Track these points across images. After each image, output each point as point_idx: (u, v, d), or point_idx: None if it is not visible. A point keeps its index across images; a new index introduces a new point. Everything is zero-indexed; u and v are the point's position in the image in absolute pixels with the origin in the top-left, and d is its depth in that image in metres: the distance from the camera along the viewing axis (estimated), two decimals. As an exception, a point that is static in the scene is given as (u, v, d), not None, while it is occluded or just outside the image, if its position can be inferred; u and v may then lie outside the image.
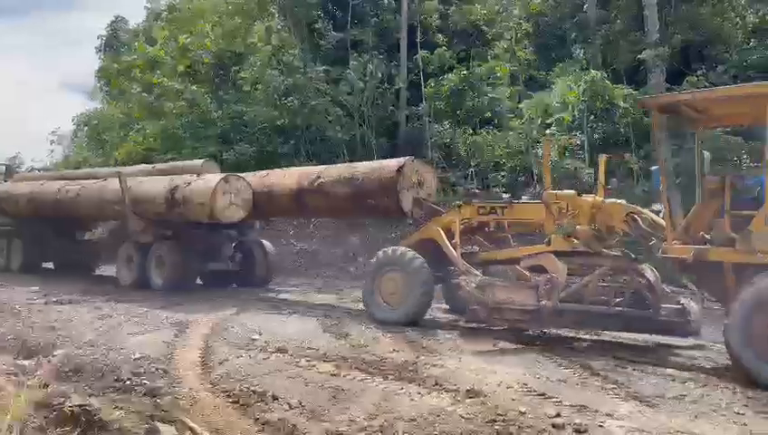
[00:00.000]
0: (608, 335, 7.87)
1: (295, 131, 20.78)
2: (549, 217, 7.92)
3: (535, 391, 5.32)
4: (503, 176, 17.23)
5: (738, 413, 4.86)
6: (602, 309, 7.29)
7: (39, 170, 23.12)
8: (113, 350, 6.92)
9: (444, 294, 9.73)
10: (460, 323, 8.55)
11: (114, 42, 34.11)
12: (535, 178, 16.33)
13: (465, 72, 19.32)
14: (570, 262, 7.62)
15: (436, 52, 20.86)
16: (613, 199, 7.92)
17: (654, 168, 7.46)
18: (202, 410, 4.98)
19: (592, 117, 16.25)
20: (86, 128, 30.92)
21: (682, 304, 7.14)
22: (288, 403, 5.03)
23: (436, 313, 9.38)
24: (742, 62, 15.96)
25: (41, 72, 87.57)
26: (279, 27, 22.59)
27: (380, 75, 20.98)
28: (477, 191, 10.50)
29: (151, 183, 12.16)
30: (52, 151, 35.40)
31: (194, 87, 22.09)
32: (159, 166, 14.37)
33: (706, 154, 7.08)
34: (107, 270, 14.30)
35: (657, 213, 7.36)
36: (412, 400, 5.09)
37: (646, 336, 7.62)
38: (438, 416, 4.67)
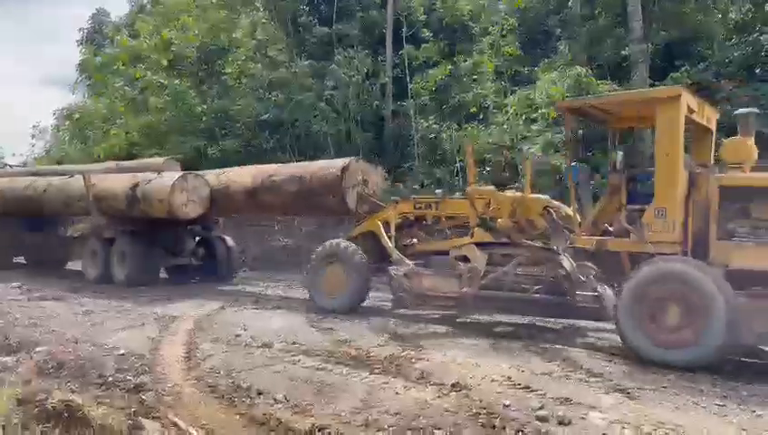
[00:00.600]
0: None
1: (280, 126, 20.68)
2: (472, 211, 8.44)
3: (519, 384, 5.37)
4: (487, 171, 17.29)
5: (719, 405, 4.93)
6: (521, 296, 7.89)
7: (10, 166, 22.79)
8: (97, 346, 6.87)
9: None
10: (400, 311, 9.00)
11: (96, 35, 33.66)
12: (520, 173, 16.40)
13: (450, 67, 19.32)
14: (492, 252, 8.17)
15: (422, 47, 20.85)
16: (535, 195, 8.38)
17: (572, 165, 7.81)
18: (187, 405, 4.95)
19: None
20: (68, 122, 30.53)
21: (598, 290, 7.55)
22: (273, 398, 5.03)
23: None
24: (724, 58, 16.11)
25: (18, 65, 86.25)
26: (263, 21, 22.40)
27: (366, 70, 20.92)
28: (417, 187, 10.82)
29: (114, 180, 12.49)
30: (33, 146, 34.99)
31: (177, 81, 21.86)
32: (123, 164, 14.90)
33: (619, 153, 7.49)
34: (79, 265, 14.14)
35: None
36: (397, 393, 5.11)
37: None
38: (423, 409, 4.69)
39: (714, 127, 7.57)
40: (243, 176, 11.76)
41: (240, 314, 9.07)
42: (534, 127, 16.78)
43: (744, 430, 4.40)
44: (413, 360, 6.17)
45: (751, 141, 6.89)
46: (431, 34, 21.35)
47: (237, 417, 4.67)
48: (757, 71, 15.84)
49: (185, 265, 12.98)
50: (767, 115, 11.22)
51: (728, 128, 14.49)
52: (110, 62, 25.69)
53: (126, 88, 24.20)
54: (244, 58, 20.98)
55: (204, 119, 21.50)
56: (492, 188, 8.78)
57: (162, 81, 21.82)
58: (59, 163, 24.75)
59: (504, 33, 19.02)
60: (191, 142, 20.93)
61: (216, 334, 7.51)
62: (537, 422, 4.43)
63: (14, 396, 4.46)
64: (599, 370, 5.88)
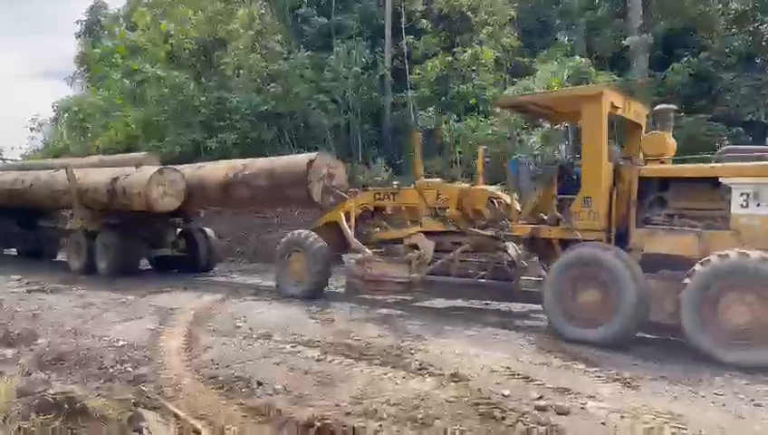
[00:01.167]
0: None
1: (279, 118, 20.62)
2: (422, 201, 8.93)
3: (519, 374, 5.38)
4: (487, 162, 17.24)
5: (718, 395, 4.95)
6: (467, 281, 8.31)
7: (3, 160, 22.84)
8: (96, 338, 6.89)
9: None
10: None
11: (94, 27, 33.51)
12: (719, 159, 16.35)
13: (449, 57, 19.25)
14: (441, 240, 8.64)
15: (422, 38, 20.76)
16: (481, 186, 8.96)
17: (512, 158, 8.57)
18: (186, 396, 4.96)
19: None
20: (66, 115, 30.44)
21: (542, 275, 7.67)
22: (273, 389, 5.04)
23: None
24: (724, 48, 16.07)
25: (16, 58, 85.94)
26: (261, 12, 22.29)
27: (365, 61, 20.84)
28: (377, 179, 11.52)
29: (96, 174, 12.79)
30: (32, 139, 34.90)
31: (176, 73, 21.78)
32: (105, 158, 15.31)
33: (562, 146, 7.80)
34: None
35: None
36: (396, 384, 5.12)
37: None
38: (423, 400, 4.70)
39: (643, 122, 7.97)
40: (216, 170, 12.09)
41: (239, 305, 9.08)
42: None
43: (741, 418, 4.41)
44: (412, 351, 6.18)
45: (669, 136, 7.40)
46: (430, 25, 21.27)
47: (237, 407, 4.68)
48: (758, 61, 15.80)
49: (167, 257, 13.27)
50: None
51: (727, 118, 14.47)
52: (108, 55, 25.57)
53: (124, 80, 24.10)
54: (242, 48, 20.88)
55: (202, 111, 21.44)
56: (439, 180, 9.44)
57: (160, 73, 21.73)
58: (57, 156, 24.70)
59: (504, 23, 18.93)
60: (190, 135, 20.87)
61: (215, 326, 7.52)
62: (536, 412, 4.44)
63: (14, 388, 4.46)
64: (597, 360, 5.89)
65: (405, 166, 18.19)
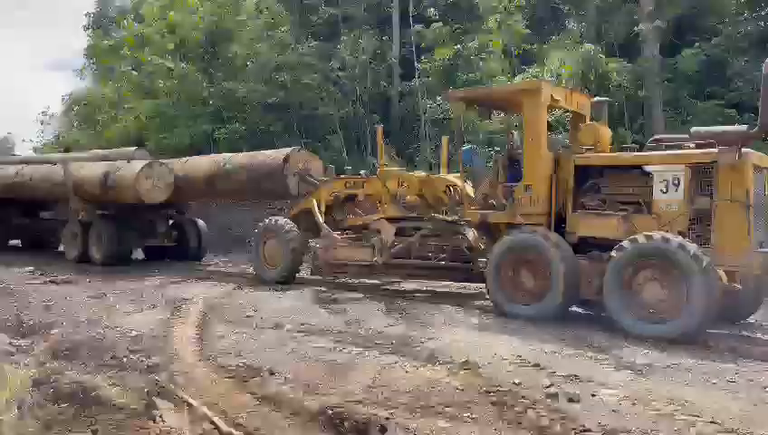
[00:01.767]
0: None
1: (287, 109, 20.63)
2: (384, 189, 9.45)
3: (529, 362, 5.38)
4: (497, 150, 17.19)
5: (730, 381, 4.93)
6: (426, 263, 8.94)
7: (12, 154, 23.09)
8: (110, 328, 6.94)
9: None
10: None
11: (103, 19, 33.55)
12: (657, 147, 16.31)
13: (458, 46, 19.14)
14: (404, 226, 9.12)
15: (431, 27, 20.64)
16: (440, 174, 9.41)
17: (463, 148, 8.81)
18: (199, 385, 5.00)
19: (586, 91, 16.17)
20: (76, 108, 30.56)
21: None
22: (285, 377, 5.07)
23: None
24: (736, 33, 15.87)
25: (26, 51, 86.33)
26: (269, 2, 22.24)
27: (372, 51, 20.77)
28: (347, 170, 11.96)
29: (90, 168, 13.31)
30: (42, 132, 35.06)
31: (184, 65, 21.80)
32: (98, 152, 16.00)
33: (515, 134, 8.44)
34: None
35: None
36: (407, 372, 5.13)
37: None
38: (434, 388, 4.71)
39: (587, 113, 8.35)
40: (201, 164, 12.70)
41: (251, 295, 9.13)
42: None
43: (754, 406, 4.39)
44: (423, 339, 6.19)
45: (603, 127, 7.91)
46: (438, 14, 21.15)
47: (249, 396, 4.71)
48: (770, 45, 15.56)
49: (161, 246, 13.76)
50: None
51: (740, 104, 14.30)
52: (116, 47, 25.61)
53: (133, 72, 24.15)
54: (252, 37, 20.85)
55: (211, 102, 21.47)
56: (399, 169, 10.01)
57: (169, 65, 21.76)
58: (67, 149, 24.83)
59: (512, 10, 18.77)
60: (199, 126, 20.93)
61: (227, 316, 7.57)
62: (547, 400, 4.44)
63: (30, 377, 4.53)
64: (608, 347, 5.88)
65: (414, 155, 18.18)
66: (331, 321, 7.20)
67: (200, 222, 14.12)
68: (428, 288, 9.57)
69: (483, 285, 8.09)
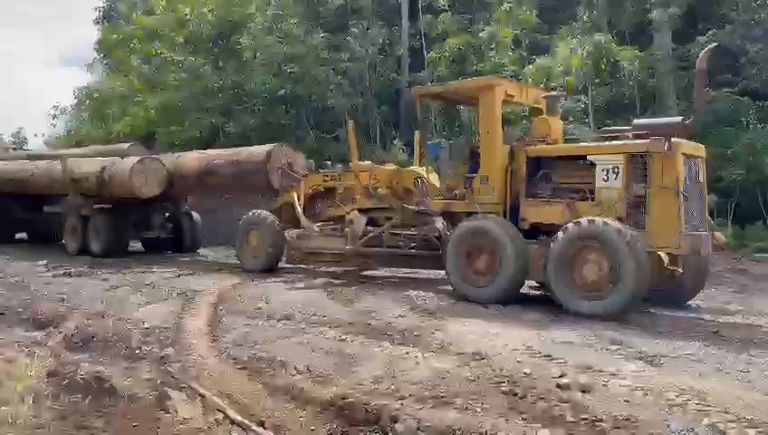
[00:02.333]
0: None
1: (297, 101, 20.62)
2: (357, 182, 9.91)
3: (540, 352, 5.36)
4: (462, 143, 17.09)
5: (743, 371, 4.90)
6: (398, 251, 9.43)
7: (14, 149, 23.33)
8: (122, 320, 7.01)
9: None
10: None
11: (112, 13, 33.66)
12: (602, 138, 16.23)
13: (467, 36, 19.03)
14: (376, 216, 9.62)
15: (440, 17, 20.53)
16: (410, 168, 9.91)
17: (430, 143, 9.55)
18: (211, 376, 5.05)
19: (597, 80, 16.05)
20: (87, 102, 30.71)
21: None
22: (296, 368, 5.09)
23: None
24: (750, 20, 15.66)
25: (37, 46, 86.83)
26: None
27: (381, 42, 20.69)
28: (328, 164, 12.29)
29: (87, 164, 13.80)
30: (53, 126, 35.30)
31: (193, 58, 21.83)
32: (97, 148, 16.60)
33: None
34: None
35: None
36: (417, 363, 5.14)
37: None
38: (444, 378, 4.71)
39: (544, 106, 8.61)
40: (191, 160, 13.17)
41: (261, 287, 9.16)
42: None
43: (767, 395, 4.36)
44: (433, 330, 6.18)
45: (556, 119, 8.30)
46: (447, 4, 21.01)
47: (261, 387, 4.75)
48: (784, 32, 15.36)
49: (157, 238, 14.31)
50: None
51: (754, 91, 14.12)
52: (126, 41, 25.69)
53: (143, 66, 24.23)
54: (260, 27, 20.82)
55: (220, 95, 21.50)
56: (370, 163, 10.49)
57: (178, 58, 21.80)
58: (78, 143, 24.98)
59: (522, 0, 18.62)
60: (208, 119, 20.98)
61: (238, 308, 7.61)
62: (558, 390, 4.43)
63: (44, 369, 4.58)
64: (621, 338, 5.84)
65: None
66: (341, 312, 7.21)
67: (195, 215, 14.63)
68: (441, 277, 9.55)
69: None
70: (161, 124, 22.87)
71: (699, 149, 7.35)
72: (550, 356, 5.24)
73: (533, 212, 7.68)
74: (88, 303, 8.06)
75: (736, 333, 6.24)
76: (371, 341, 5.86)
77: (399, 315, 6.95)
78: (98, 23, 34.72)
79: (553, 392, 4.39)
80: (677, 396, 4.26)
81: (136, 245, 14.91)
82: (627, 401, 4.20)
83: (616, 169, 7.09)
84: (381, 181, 9.78)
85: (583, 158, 7.50)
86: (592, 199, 7.24)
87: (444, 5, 21.09)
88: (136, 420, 3.98)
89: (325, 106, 20.63)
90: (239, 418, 4.17)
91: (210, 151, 13.66)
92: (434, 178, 8.94)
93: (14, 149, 23.21)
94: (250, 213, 10.95)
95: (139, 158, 13.02)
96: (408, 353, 5.40)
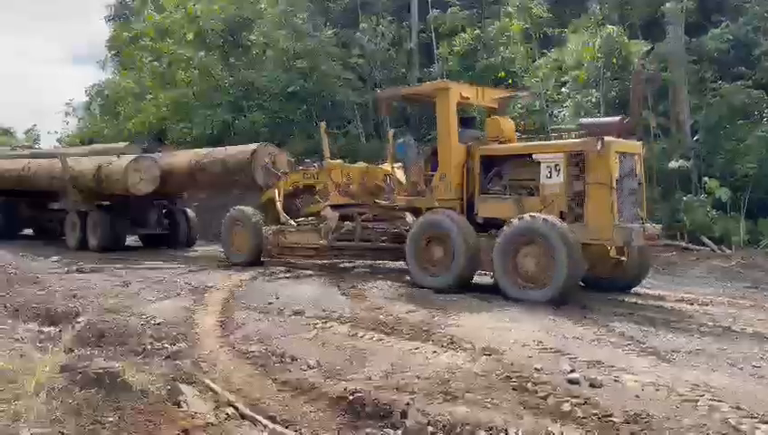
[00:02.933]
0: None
1: (307, 97, 20.63)
2: (329, 180, 10.36)
3: (551, 348, 5.34)
4: (518, 136, 17.01)
5: (756, 367, 4.86)
6: (369, 245, 9.85)
7: (21, 148, 23.67)
8: (135, 315, 7.06)
9: None
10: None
11: (123, 11, 33.80)
12: (552, 137, 16.12)
13: (477, 31, 18.93)
14: (349, 212, 10.00)
15: (449, 11, 20.44)
16: (379, 166, 10.27)
17: (398, 142, 9.84)
18: (222, 371, 5.08)
19: (608, 74, 15.91)
20: (99, 99, 30.91)
21: None
22: (306, 363, 5.11)
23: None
24: (764, 12, 15.45)
25: (50, 44, 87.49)
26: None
27: (391, 37, 20.64)
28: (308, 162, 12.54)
29: (85, 163, 14.39)
30: (66, 124, 35.57)
31: (203, 54, 21.89)
32: (95, 147, 17.65)
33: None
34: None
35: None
36: (427, 358, 5.14)
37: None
38: (454, 374, 4.71)
39: (501, 106, 9.36)
40: (183, 159, 13.81)
41: (272, 283, 9.20)
42: (564, 90, 16.41)
43: (781, 391, 4.32)
44: (443, 325, 6.19)
45: (505, 120, 8.88)
46: (457, -2, 20.91)
47: (271, 382, 4.77)
48: (799, 24, 15.16)
49: (154, 234, 14.86)
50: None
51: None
52: (137, 38, 25.81)
53: (154, 63, 24.33)
54: (270, 23, 20.84)
55: (230, 91, 21.55)
56: (341, 161, 10.94)
57: (189, 54, 21.88)
58: (91, 141, 25.17)
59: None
60: (219, 116, 21.04)
61: (249, 303, 7.64)
62: (569, 385, 4.41)
63: (58, 363, 4.62)
64: (632, 333, 5.83)
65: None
66: (351, 307, 7.22)
67: (189, 211, 15.22)
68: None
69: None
70: (172, 121, 22.98)
71: (634, 147, 7.82)
72: (560, 351, 5.22)
73: (486, 207, 8.26)
74: (100, 298, 8.13)
75: (749, 327, 6.20)
76: (381, 336, 5.87)
77: (410, 310, 6.95)
78: (110, 20, 34.88)
79: (564, 388, 4.37)
80: (689, 391, 4.23)
81: (133, 240, 15.34)
82: (638, 397, 4.18)
83: (557, 167, 7.60)
84: (354, 178, 10.22)
85: (530, 156, 7.96)
86: (538, 195, 7.78)
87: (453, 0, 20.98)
88: (148, 415, 4.00)
89: (334, 102, 20.62)
90: (250, 412, 4.19)
91: (200, 150, 14.25)
92: (400, 175, 9.43)
93: (21, 147, 23.56)
94: (233, 209, 11.37)
95: (133, 156, 13.56)
96: (418, 348, 5.41)
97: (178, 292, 8.54)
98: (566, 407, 4.04)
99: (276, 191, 11.09)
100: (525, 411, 4.03)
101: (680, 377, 4.53)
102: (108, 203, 14.13)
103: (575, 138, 7.83)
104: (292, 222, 10.64)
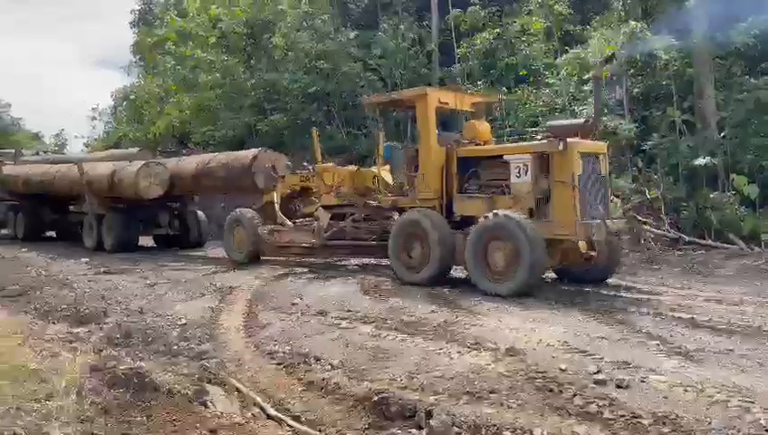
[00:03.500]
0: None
1: (328, 98, 20.70)
2: (321, 182, 10.84)
3: (576, 348, 5.29)
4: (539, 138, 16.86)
5: (787, 367, 4.76)
6: (360, 243, 10.25)
7: (45, 153, 24.23)
8: (161, 316, 7.17)
9: None
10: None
11: (147, 16, 34.31)
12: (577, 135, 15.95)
13: (498, 30, 18.81)
14: (340, 212, 10.43)
15: (468, 10, 20.34)
16: (371, 168, 10.59)
17: (384, 145, 10.12)
18: (248, 371, 5.13)
19: (632, 70, 15.69)
20: (124, 103, 31.40)
21: None
22: (330, 364, 5.14)
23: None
24: (793, 5, 15.09)
25: (77, 49, 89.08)
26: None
27: (412, 37, 20.61)
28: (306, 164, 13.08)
29: (100, 168, 15.01)
30: (93, 128, 36.22)
31: (225, 57, 22.10)
32: (112, 153, 18.64)
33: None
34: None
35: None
36: (451, 359, 5.13)
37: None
38: (478, 374, 4.69)
39: (477, 110, 9.65)
40: (189, 163, 14.36)
41: (295, 283, 9.25)
42: (586, 88, 16.23)
43: (814, 392, 4.23)
44: (467, 326, 6.16)
45: (481, 123, 9.30)
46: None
47: (296, 382, 4.80)
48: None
49: (166, 235, 15.45)
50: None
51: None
52: (161, 43, 26.15)
53: (177, 67, 24.63)
54: (291, 25, 20.95)
55: (252, 94, 21.71)
56: (332, 164, 11.38)
57: (211, 58, 22.10)
58: (117, 144, 25.58)
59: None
60: (241, 118, 21.21)
61: (273, 304, 7.70)
62: (595, 386, 4.37)
63: (87, 363, 4.70)
64: (659, 333, 5.74)
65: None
66: (374, 308, 7.23)
67: (200, 213, 15.85)
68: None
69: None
70: (196, 124, 23.24)
71: (599, 147, 8.26)
72: (585, 352, 5.17)
73: (462, 206, 8.67)
74: (127, 299, 8.26)
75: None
76: (405, 336, 5.86)
77: (432, 311, 6.93)
78: (134, 25, 35.43)
79: (590, 388, 4.33)
80: (719, 392, 4.17)
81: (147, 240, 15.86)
82: (666, 398, 4.13)
83: (525, 167, 8.01)
84: (345, 181, 10.57)
85: (501, 157, 8.39)
86: (509, 194, 8.19)
87: (474, -1, 20.86)
88: (175, 415, 4.05)
89: (355, 103, 20.65)
90: (275, 412, 4.22)
91: (206, 155, 14.82)
92: (387, 177, 9.86)
93: (45, 152, 24.16)
94: (235, 212, 11.96)
95: (144, 162, 14.20)
96: (442, 349, 5.39)
97: (203, 292, 8.64)
98: (593, 408, 4.01)
99: (274, 194, 11.66)
100: (551, 412, 4.01)
101: (709, 378, 4.46)
102: (122, 206, 14.75)
103: (542, 140, 8.26)
104: (289, 222, 11.21)
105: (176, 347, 5.83)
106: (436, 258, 8.34)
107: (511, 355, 5.11)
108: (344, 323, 6.48)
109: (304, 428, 4.01)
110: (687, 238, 12.37)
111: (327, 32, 20.83)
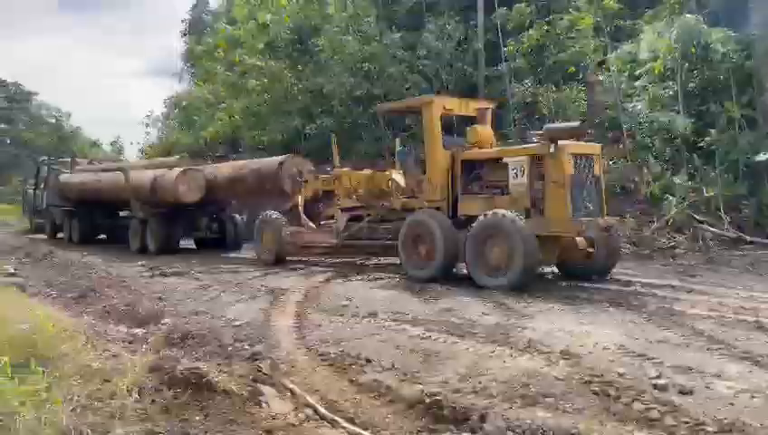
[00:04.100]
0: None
1: (373, 101, 20.76)
2: (339, 185, 11.36)
3: (634, 352, 5.14)
4: (590, 132, 16.46)
5: None
6: (377, 243, 10.71)
7: (98, 162, 25.20)
8: (215, 317, 7.32)
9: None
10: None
11: (198, 24, 35.21)
12: (624, 133, 15.55)
13: (546, 27, 18.49)
14: (358, 214, 10.96)
15: (515, 8, 20.07)
16: (385, 172, 10.78)
17: (398, 149, 11.07)
18: (300, 373, 5.17)
19: (686, 65, 15.17)
20: (176, 110, 32.29)
21: None
22: (381, 365, 5.14)
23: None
24: None
25: (130, 58, 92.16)
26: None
27: (458, 36, 20.48)
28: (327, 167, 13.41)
29: (144, 175, 16.02)
30: (147, 134, 37.39)
31: (273, 62, 22.45)
32: (155, 161, 19.99)
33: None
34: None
35: None
36: (504, 362, 5.05)
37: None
38: (533, 378, 4.61)
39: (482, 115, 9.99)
40: (225, 170, 15.15)
41: (345, 285, 9.31)
42: (638, 83, 15.78)
43: None
44: (519, 328, 6.07)
45: (484, 128, 9.65)
46: (524, -6, 20.48)
47: (348, 384, 4.82)
48: None
49: (204, 238, 16.30)
50: None
51: None
52: (210, 50, 26.78)
53: (227, 73, 25.16)
54: (336, 29, 21.13)
55: (300, 98, 21.97)
56: (348, 169, 11.82)
57: (260, 63, 22.49)
58: (169, 151, 26.33)
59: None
60: (289, 122, 21.49)
61: (323, 305, 7.76)
62: (655, 391, 4.23)
63: (146, 364, 4.84)
64: (722, 337, 5.53)
65: (505, 137, 17.78)
66: (423, 310, 7.21)
67: (237, 217, 16.53)
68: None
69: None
70: (245, 129, 23.68)
71: (592, 149, 8.74)
72: (644, 356, 5.01)
73: (465, 206, 9.22)
74: (183, 301, 8.48)
75: None
76: (456, 339, 5.82)
77: (484, 313, 6.87)
78: (185, 34, 36.44)
79: (650, 394, 4.20)
80: (789, 399, 3.98)
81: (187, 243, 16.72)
82: (732, 404, 3.97)
83: (522, 168, 8.48)
84: (361, 184, 11.06)
85: (501, 159, 8.85)
86: (508, 194, 8.68)
87: (520, -4, 20.56)
88: (232, 415, 4.13)
89: (402, 105, 20.62)
90: (328, 414, 4.25)
91: (240, 162, 15.72)
92: (400, 180, 10.27)
93: (99, 162, 25.26)
94: (263, 214, 12.57)
95: (182, 169, 14.99)
96: (494, 352, 5.32)
97: (256, 294, 8.79)
98: (654, 414, 3.88)
99: (299, 198, 12.22)
100: (609, 418, 3.90)
101: (778, 384, 4.26)
102: (164, 211, 15.46)
103: (538, 142, 8.65)
104: (311, 224, 11.81)
105: (230, 348, 5.93)
106: (440, 255, 8.87)
107: (565, 358, 5.00)
108: (394, 325, 6.48)
109: (358, 430, 4.01)
110: (749, 238, 11.87)
111: (373, 34, 20.90)
